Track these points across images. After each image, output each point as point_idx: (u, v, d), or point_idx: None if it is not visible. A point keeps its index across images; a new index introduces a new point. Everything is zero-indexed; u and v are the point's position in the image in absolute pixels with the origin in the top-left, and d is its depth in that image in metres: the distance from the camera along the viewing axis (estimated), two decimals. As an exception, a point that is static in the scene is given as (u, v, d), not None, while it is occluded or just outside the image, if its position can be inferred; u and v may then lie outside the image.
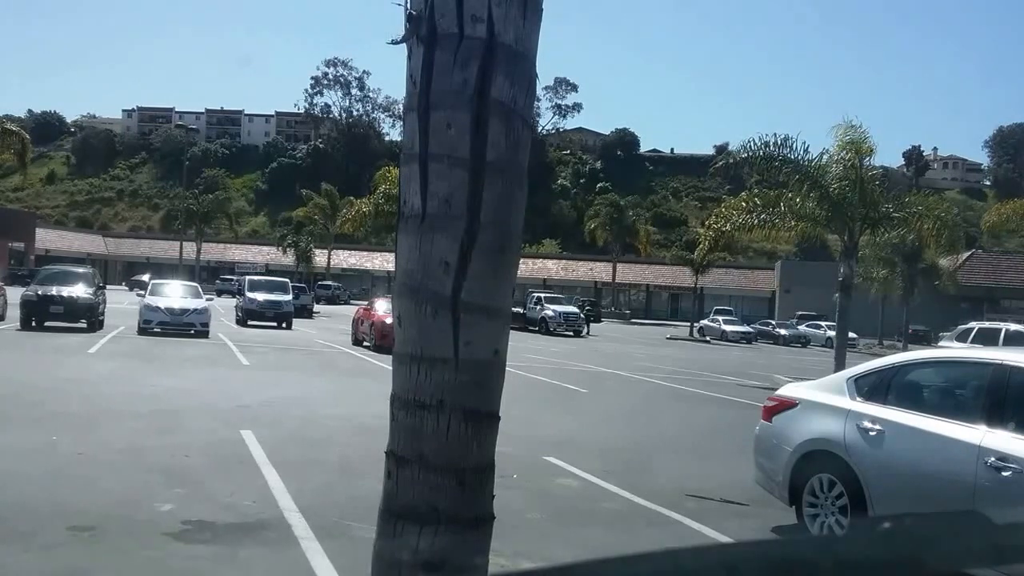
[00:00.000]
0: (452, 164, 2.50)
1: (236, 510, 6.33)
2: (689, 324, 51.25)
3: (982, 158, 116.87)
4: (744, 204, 20.66)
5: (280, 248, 63.84)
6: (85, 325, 22.37)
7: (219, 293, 56.13)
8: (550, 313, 40.09)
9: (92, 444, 8.43)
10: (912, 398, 6.18)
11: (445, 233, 2.50)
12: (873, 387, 6.26)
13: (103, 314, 24.13)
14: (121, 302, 34.10)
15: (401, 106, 2.93)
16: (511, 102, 2.53)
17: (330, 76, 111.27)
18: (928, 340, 41.51)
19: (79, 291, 22.74)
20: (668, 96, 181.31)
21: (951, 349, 16.60)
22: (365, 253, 77.24)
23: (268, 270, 64.73)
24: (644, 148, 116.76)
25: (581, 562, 1.01)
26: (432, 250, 2.52)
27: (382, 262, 72.21)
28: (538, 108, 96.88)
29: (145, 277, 50.69)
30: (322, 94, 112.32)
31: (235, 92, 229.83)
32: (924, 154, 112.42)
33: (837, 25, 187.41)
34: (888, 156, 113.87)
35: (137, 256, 79.72)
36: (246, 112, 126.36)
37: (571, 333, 39.30)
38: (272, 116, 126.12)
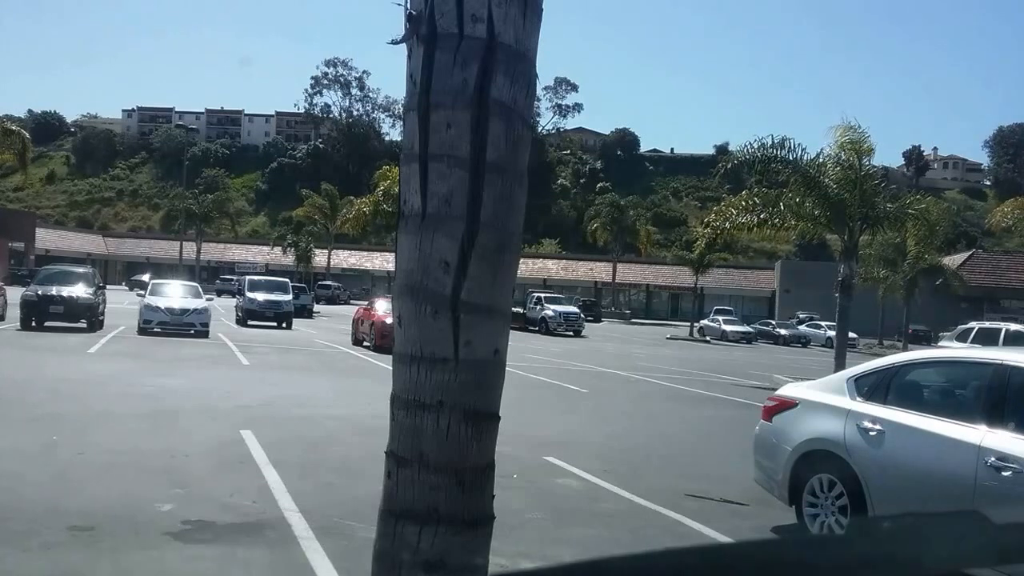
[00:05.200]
0: (452, 164, 2.50)
1: (236, 510, 6.33)
2: (689, 324, 51.24)
3: (982, 158, 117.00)
4: (744, 203, 20.65)
5: (280, 248, 63.82)
6: (85, 325, 22.37)
7: (219, 293, 56.13)
8: (550, 313, 40.09)
9: (92, 444, 8.43)
10: (912, 398, 6.17)
11: (445, 233, 2.50)
12: (873, 387, 6.26)
13: (103, 314, 24.13)
14: (121, 302, 34.10)
15: (401, 106, 2.93)
16: (511, 102, 2.53)
17: (330, 76, 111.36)
18: (928, 340, 41.52)
19: (79, 291, 22.73)
20: (668, 96, 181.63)
21: (951, 349, 16.60)
22: (365, 253, 77.22)
23: (268, 270, 64.70)
24: (644, 148, 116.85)
25: (581, 562, 1.01)
26: (432, 250, 2.51)
27: (382, 262, 72.20)
28: (538, 108, 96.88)
29: (145, 277, 50.68)
30: (322, 94, 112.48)
31: (235, 92, 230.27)
32: (924, 154, 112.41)
33: (837, 25, 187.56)
34: (888, 156, 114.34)
35: (137, 256, 79.67)
36: (246, 112, 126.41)
37: (571, 333, 39.30)
38: (272, 116, 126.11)
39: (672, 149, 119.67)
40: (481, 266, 2.51)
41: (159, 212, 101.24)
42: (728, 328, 47.38)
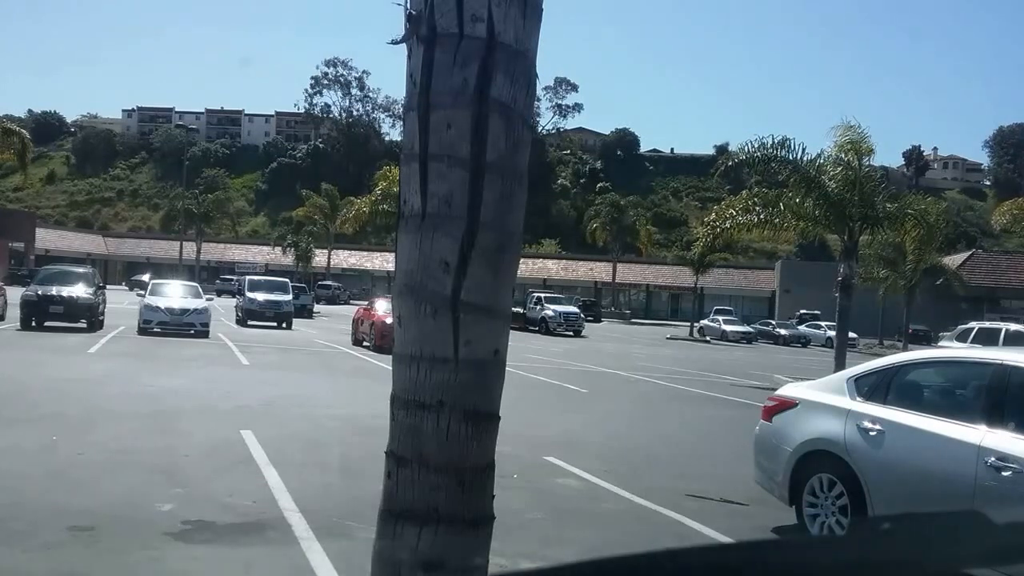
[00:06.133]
0: (452, 164, 2.50)
1: (236, 510, 6.32)
2: (689, 324, 51.24)
3: (982, 158, 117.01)
4: (744, 203, 20.65)
5: (280, 248, 63.82)
6: (85, 325, 22.38)
7: (219, 293, 56.13)
8: (550, 313, 40.09)
9: (92, 444, 8.43)
10: (912, 398, 6.17)
11: (445, 233, 2.50)
12: (873, 387, 6.26)
13: (103, 314, 24.13)
14: (121, 302, 34.10)
15: (401, 106, 2.92)
16: (511, 102, 2.53)
17: (330, 76, 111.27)
18: (928, 340, 41.50)
19: (79, 291, 22.74)
20: (668, 96, 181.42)
21: (951, 349, 16.60)
22: (365, 253, 77.24)
23: (268, 270, 64.69)
24: (644, 148, 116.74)
25: (581, 562, 1.01)
26: (432, 250, 2.51)
27: (382, 262, 72.20)
28: (538, 108, 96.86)
29: (145, 277, 50.66)
30: (322, 94, 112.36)
31: (235, 92, 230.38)
32: (924, 154, 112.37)
33: (837, 25, 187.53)
34: (888, 156, 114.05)
35: (137, 256, 79.67)
36: (246, 112, 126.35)
37: (571, 333, 39.30)
38: (272, 116, 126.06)
39: (672, 149, 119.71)
40: (481, 266, 2.51)
41: (159, 212, 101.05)
42: (728, 328, 47.38)
